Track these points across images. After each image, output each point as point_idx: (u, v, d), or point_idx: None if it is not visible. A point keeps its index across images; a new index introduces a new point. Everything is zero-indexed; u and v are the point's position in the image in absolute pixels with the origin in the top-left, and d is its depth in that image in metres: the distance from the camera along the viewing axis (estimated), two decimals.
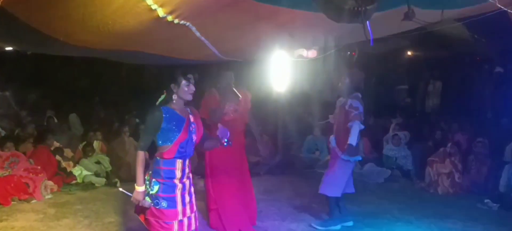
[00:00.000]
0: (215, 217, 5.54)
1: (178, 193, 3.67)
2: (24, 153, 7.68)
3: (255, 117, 5.95)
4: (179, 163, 3.68)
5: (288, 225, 6.05)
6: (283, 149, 9.76)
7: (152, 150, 3.69)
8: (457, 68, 12.16)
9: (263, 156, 8.05)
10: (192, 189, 3.87)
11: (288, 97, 6.53)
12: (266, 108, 9.27)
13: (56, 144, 8.44)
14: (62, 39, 4.17)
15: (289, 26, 4.41)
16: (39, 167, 7.35)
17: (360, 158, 5.95)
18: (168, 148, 3.61)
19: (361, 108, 5.54)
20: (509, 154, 7.80)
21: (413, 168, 8.90)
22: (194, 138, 3.77)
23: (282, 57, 5.52)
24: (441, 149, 8.27)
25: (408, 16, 3.77)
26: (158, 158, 3.65)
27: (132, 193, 3.63)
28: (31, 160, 7.52)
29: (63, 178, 7.84)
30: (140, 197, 3.59)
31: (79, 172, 8.12)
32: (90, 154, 8.47)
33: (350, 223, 5.94)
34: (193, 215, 3.81)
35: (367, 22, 3.50)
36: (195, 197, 3.89)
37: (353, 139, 5.43)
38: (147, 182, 3.64)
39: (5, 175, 6.94)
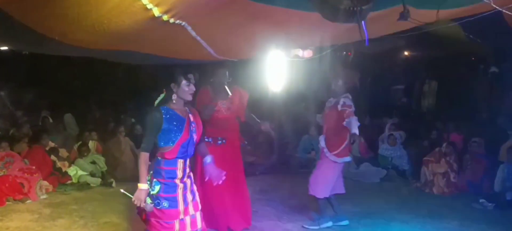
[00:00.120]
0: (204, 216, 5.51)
1: (180, 192, 3.66)
2: (19, 153, 7.64)
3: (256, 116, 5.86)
4: (180, 163, 3.67)
5: (284, 225, 6.05)
6: (278, 148, 9.76)
7: (152, 150, 3.67)
8: (453, 68, 12.19)
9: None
10: (194, 188, 3.86)
11: (284, 97, 6.53)
12: (262, 108, 9.26)
13: (51, 144, 8.40)
14: (57, 39, 4.16)
15: (285, 26, 4.41)
16: (34, 167, 7.31)
17: (349, 159, 5.95)
18: (169, 149, 3.60)
19: (353, 108, 5.56)
20: (504, 153, 7.83)
21: (409, 168, 8.92)
22: (195, 137, 3.76)
23: (278, 57, 5.53)
24: (437, 149, 8.29)
25: (403, 16, 3.77)
26: (159, 158, 3.63)
27: (133, 194, 3.59)
28: (26, 160, 7.49)
29: (58, 178, 7.80)
30: (142, 195, 3.54)
31: (75, 172, 8.08)
32: (85, 154, 8.43)
33: (346, 223, 5.95)
34: (197, 213, 3.79)
35: (363, 22, 3.50)
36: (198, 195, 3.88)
37: (355, 129, 5.37)
38: (148, 182, 3.61)
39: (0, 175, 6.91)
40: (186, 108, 3.77)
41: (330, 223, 5.89)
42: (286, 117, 9.52)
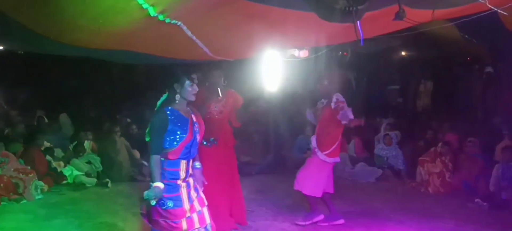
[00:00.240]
0: None
1: (183, 191, 3.63)
2: (14, 153, 7.62)
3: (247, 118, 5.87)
4: (183, 163, 3.66)
5: (280, 224, 6.05)
6: (274, 148, 9.76)
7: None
8: (448, 69, 12.23)
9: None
10: (197, 184, 3.85)
11: (279, 97, 6.53)
12: (258, 108, 9.26)
13: (47, 144, 8.39)
14: (53, 38, 4.15)
15: (281, 26, 4.41)
16: (29, 167, 7.29)
17: (339, 160, 5.98)
18: (173, 149, 3.58)
19: (345, 103, 5.63)
20: (499, 153, 7.85)
21: (404, 168, 8.93)
22: (198, 138, 3.75)
23: (274, 57, 5.53)
24: (432, 149, 8.31)
25: (399, 16, 3.78)
26: (162, 158, 3.60)
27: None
28: (21, 160, 7.47)
29: (54, 178, 7.78)
30: (160, 193, 3.49)
31: (70, 172, 8.06)
32: (81, 154, 8.42)
33: (341, 222, 5.96)
34: (204, 208, 3.76)
35: (358, 22, 3.51)
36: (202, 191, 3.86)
37: (351, 116, 5.57)
38: (151, 184, 3.57)
39: None
40: (189, 108, 3.76)
41: (321, 217, 5.91)
42: (282, 117, 9.52)
